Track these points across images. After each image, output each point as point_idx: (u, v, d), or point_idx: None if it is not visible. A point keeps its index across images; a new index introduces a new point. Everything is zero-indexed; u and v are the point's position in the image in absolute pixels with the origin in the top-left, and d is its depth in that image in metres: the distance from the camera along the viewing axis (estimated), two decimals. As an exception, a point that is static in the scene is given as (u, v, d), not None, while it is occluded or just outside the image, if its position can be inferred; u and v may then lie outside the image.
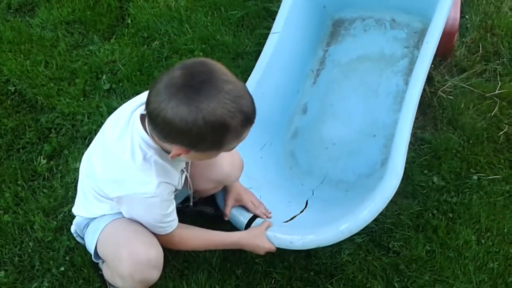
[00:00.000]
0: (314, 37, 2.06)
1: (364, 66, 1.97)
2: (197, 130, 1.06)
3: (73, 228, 1.48)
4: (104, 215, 1.36)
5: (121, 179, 1.23)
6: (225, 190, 1.57)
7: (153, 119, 1.11)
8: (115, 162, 1.23)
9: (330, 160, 1.82)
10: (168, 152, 1.19)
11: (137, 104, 1.27)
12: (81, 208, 1.42)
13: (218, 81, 1.06)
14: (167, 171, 1.25)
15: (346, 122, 1.87)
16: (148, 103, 1.10)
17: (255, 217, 1.55)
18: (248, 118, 1.11)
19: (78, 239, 1.50)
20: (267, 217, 1.55)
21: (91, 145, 1.40)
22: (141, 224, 1.33)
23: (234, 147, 1.18)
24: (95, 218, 1.39)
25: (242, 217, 1.54)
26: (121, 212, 1.34)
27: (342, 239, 1.44)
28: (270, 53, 1.83)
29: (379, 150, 1.79)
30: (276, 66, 1.85)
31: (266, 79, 1.80)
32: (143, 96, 1.27)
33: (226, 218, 1.56)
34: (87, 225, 1.41)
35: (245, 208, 1.57)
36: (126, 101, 2.01)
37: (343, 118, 1.89)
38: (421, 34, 1.94)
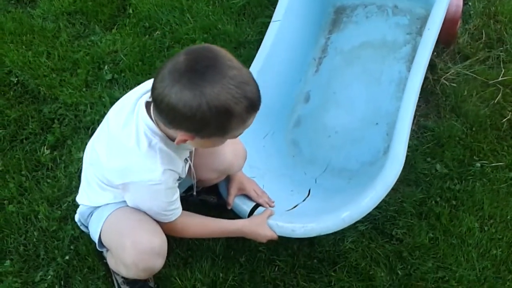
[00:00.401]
0: (316, 25, 2.05)
1: (366, 53, 1.97)
2: (201, 115, 1.06)
3: (77, 217, 1.49)
4: (108, 204, 1.37)
5: (126, 166, 1.23)
6: (228, 179, 1.58)
7: (157, 105, 1.10)
8: (120, 149, 1.24)
9: (333, 148, 1.82)
10: (173, 140, 1.19)
11: (142, 91, 1.27)
12: (84, 197, 1.43)
13: (222, 66, 1.06)
14: (171, 158, 1.25)
15: (349, 110, 1.87)
16: (153, 89, 1.10)
17: (257, 205, 1.55)
18: (253, 104, 1.10)
19: (82, 228, 1.51)
20: (270, 206, 1.56)
21: (94, 134, 1.41)
22: (145, 213, 1.33)
23: (239, 134, 1.18)
24: (99, 207, 1.39)
25: (245, 206, 1.54)
26: (125, 201, 1.35)
27: (344, 227, 1.45)
28: (271, 42, 1.83)
29: (382, 138, 1.78)
30: (278, 55, 1.84)
31: (267, 69, 1.80)
32: (148, 83, 1.27)
33: (229, 207, 1.57)
34: (91, 214, 1.42)
35: (248, 197, 1.57)
36: (128, 91, 2.02)
37: (346, 106, 1.88)
38: (424, 21, 1.93)
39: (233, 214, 1.57)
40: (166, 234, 1.35)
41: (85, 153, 1.43)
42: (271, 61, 1.81)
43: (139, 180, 1.23)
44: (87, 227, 1.46)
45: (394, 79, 1.88)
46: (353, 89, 1.92)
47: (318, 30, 2.07)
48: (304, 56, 2.02)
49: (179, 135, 1.14)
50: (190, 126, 1.10)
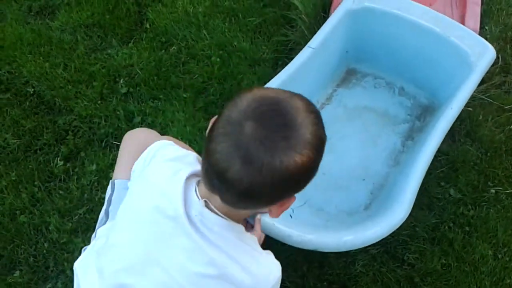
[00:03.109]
0: (329, 72, 2.08)
1: (369, 115, 2.00)
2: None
3: None
4: None
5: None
6: None
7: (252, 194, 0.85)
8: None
9: (316, 187, 1.80)
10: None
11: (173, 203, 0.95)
12: None
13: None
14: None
15: (340, 159, 1.87)
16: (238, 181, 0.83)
17: None
18: None
19: None
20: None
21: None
22: None
23: None
24: None
25: None
26: None
27: (342, 250, 1.42)
28: (296, 66, 1.80)
29: (366, 195, 1.79)
30: (296, 81, 1.81)
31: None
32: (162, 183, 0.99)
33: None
34: None
35: None
36: (144, 105, 2.03)
37: (338, 154, 1.88)
38: (425, 109, 2.01)
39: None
40: None
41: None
42: (289, 86, 1.79)
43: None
44: None
45: (388, 147, 1.91)
46: (350, 141, 1.93)
47: (330, 78, 2.09)
48: (311, 94, 2.01)
49: (273, 207, 0.93)
50: (296, 189, 0.91)
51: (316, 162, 0.86)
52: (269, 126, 0.81)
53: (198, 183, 0.97)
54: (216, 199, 0.91)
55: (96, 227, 1.29)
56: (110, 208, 1.29)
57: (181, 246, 0.93)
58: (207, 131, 0.88)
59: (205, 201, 0.93)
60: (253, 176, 0.81)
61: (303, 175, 0.86)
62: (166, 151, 1.07)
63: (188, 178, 0.96)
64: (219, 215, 0.93)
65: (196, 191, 0.95)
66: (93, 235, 1.29)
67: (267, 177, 0.81)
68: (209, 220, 0.93)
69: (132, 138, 1.43)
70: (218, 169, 0.83)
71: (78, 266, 1.13)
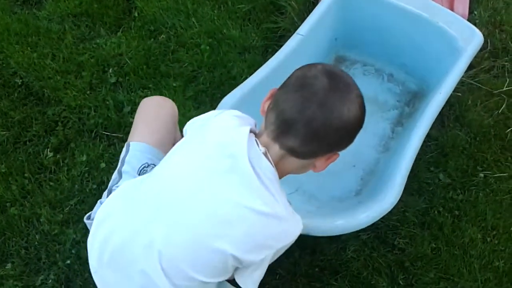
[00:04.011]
0: (318, 60, 2.05)
1: None
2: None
3: None
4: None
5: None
6: None
7: (316, 131, 1.02)
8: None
9: (307, 174, 1.78)
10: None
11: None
12: None
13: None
14: None
15: None
16: (310, 120, 1.01)
17: None
18: None
19: None
20: None
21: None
22: None
23: None
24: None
25: None
26: None
27: (334, 234, 1.44)
28: (285, 53, 1.79)
29: (356, 181, 1.80)
30: (285, 68, 1.80)
31: (273, 78, 1.77)
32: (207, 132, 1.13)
33: None
34: None
35: None
36: (133, 95, 2.02)
37: None
38: (414, 95, 2.02)
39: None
40: None
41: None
42: (278, 72, 1.78)
43: (290, 241, 1.11)
44: None
45: (378, 133, 1.92)
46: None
47: None
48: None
49: (320, 159, 1.10)
50: (348, 142, 1.10)
51: (363, 122, 1.07)
52: (339, 83, 1.03)
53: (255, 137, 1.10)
54: (274, 148, 1.06)
55: (109, 186, 1.31)
56: (123, 168, 1.33)
57: (236, 182, 1.04)
58: (271, 94, 1.08)
59: (265, 149, 1.06)
60: (325, 116, 1.00)
61: (355, 128, 1.06)
62: (231, 111, 1.19)
63: (250, 132, 1.08)
64: (272, 165, 1.06)
65: (256, 141, 1.08)
66: (104, 193, 1.30)
67: (335, 120, 1.00)
68: (265, 165, 1.05)
69: (148, 104, 1.49)
70: (293, 113, 1.01)
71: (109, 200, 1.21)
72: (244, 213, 1.03)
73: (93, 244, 1.16)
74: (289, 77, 1.08)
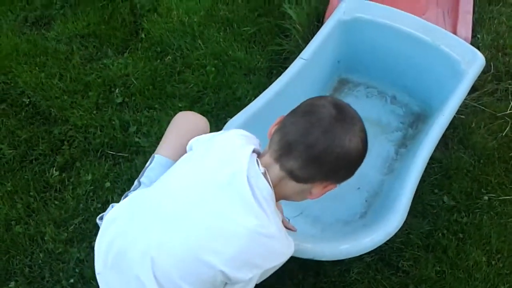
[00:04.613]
0: (321, 82, 2.09)
1: None
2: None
3: None
4: None
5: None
6: None
7: (319, 159, 1.06)
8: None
9: None
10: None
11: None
12: None
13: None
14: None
15: None
16: (312, 146, 1.06)
17: None
18: None
19: None
20: (292, 230, 1.52)
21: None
22: None
23: None
24: None
25: None
26: None
27: (338, 258, 1.44)
28: (289, 77, 1.81)
29: (361, 203, 1.80)
30: (291, 90, 1.82)
31: (277, 101, 1.78)
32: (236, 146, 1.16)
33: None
34: None
35: None
36: (139, 115, 2.04)
37: None
38: (417, 117, 2.04)
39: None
40: None
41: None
42: (282, 96, 1.79)
43: (279, 263, 1.13)
44: None
45: (381, 155, 1.93)
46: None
47: (322, 88, 2.10)
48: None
49: (317, 187, 1.12)
50: (346, 173, 1.14)
51: (363, 157, 1.12)
52: (345, 115, 1.08)
53: (258, 157, 1.13)
54: (275, 169, 1.09)
55: (127, 192, 1.35)
56: (142, 178, 1.36)
57: (232, 198, 1.07)
58: (279, 121, 1.13)
59: (264, 169, 1.10)
60: (327, 143, 1.04)
61: (355, 160, 1.10)
62: (238, 130, 1.25)
63: (253, 152, 1.13)
64: (270, 185, 1.09)
65: (257, 161, 1.11)
66: (122, 197, 1.33)
67: (336, 148, 1.04)
68: (262, 185, 1.08)
69: (181, 119, 1.51)
70: (297, 136, 1.05)
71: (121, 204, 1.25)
72: (236, 229, 1.05)
73: (100, 245, 1.19)
74: (298, 105, 1.13)
